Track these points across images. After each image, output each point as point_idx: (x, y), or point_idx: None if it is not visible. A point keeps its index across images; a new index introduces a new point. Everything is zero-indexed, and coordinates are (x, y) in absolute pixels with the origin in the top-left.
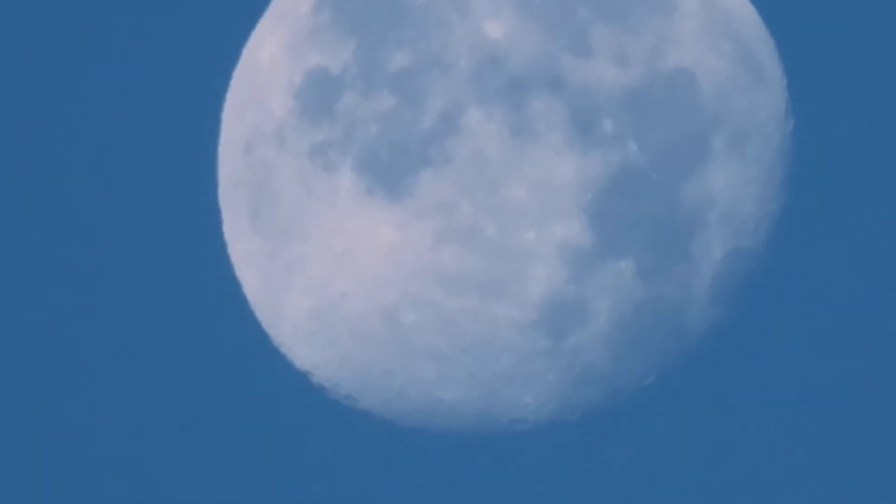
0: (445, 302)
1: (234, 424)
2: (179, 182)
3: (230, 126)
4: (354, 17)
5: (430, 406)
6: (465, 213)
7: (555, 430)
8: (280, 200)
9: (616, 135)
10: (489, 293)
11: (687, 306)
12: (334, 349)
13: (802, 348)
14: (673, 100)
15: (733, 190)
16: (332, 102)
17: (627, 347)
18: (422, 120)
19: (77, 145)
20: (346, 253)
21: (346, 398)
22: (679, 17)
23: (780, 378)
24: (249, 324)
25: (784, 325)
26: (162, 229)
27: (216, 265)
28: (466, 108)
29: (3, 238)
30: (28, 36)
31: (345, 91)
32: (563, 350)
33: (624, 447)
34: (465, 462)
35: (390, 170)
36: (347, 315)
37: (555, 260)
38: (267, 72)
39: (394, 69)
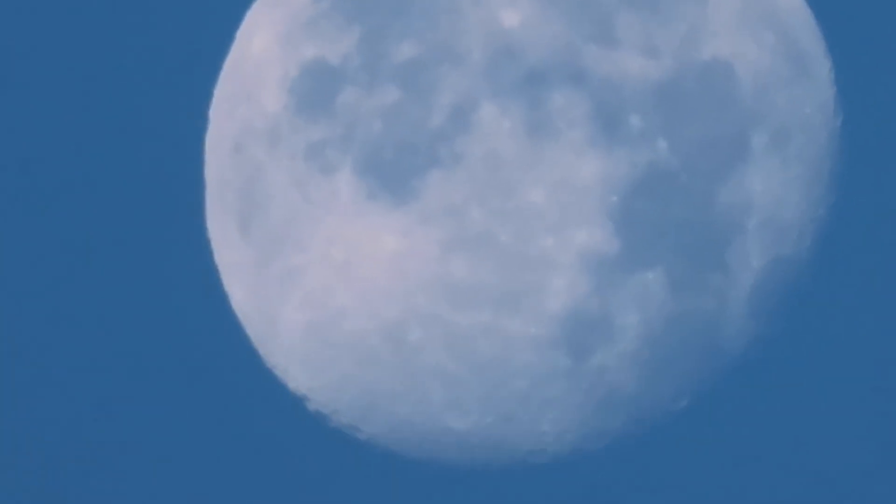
0: (455, 317)
1: (221, 454)
2: (162, 185)
3: (218, 123)
4: (357, 3)
5: (439, 435)
6: (476, 218)
7: (577, 461)
8: (272, 205)
9: (644, 132)
10: (503, 307)
11: (722, 321)
12: (333, 371)
13: (850, 367)
14: (708, 94)
15: (774, 193)
16: (331, 97)
17: (657, 367)
18: (430, 117)
19: (51, 143)
20: (346, 263)
21: (347, 426)
22: (715, 3)
23: (825, 401)
24: (238, 342)
25: (830, 341)
26: (142, 236)
27: (201, 276)
28: (479, 104)
29: None
30: (10, 28)
31: (345, 85)
32: (586, 371)
33: (653, 479)
34: (478, 498)
35: (394, 171)
36: (347, 332)
37: (576, 270)
38: (259, 63)
39: (399, 61)
